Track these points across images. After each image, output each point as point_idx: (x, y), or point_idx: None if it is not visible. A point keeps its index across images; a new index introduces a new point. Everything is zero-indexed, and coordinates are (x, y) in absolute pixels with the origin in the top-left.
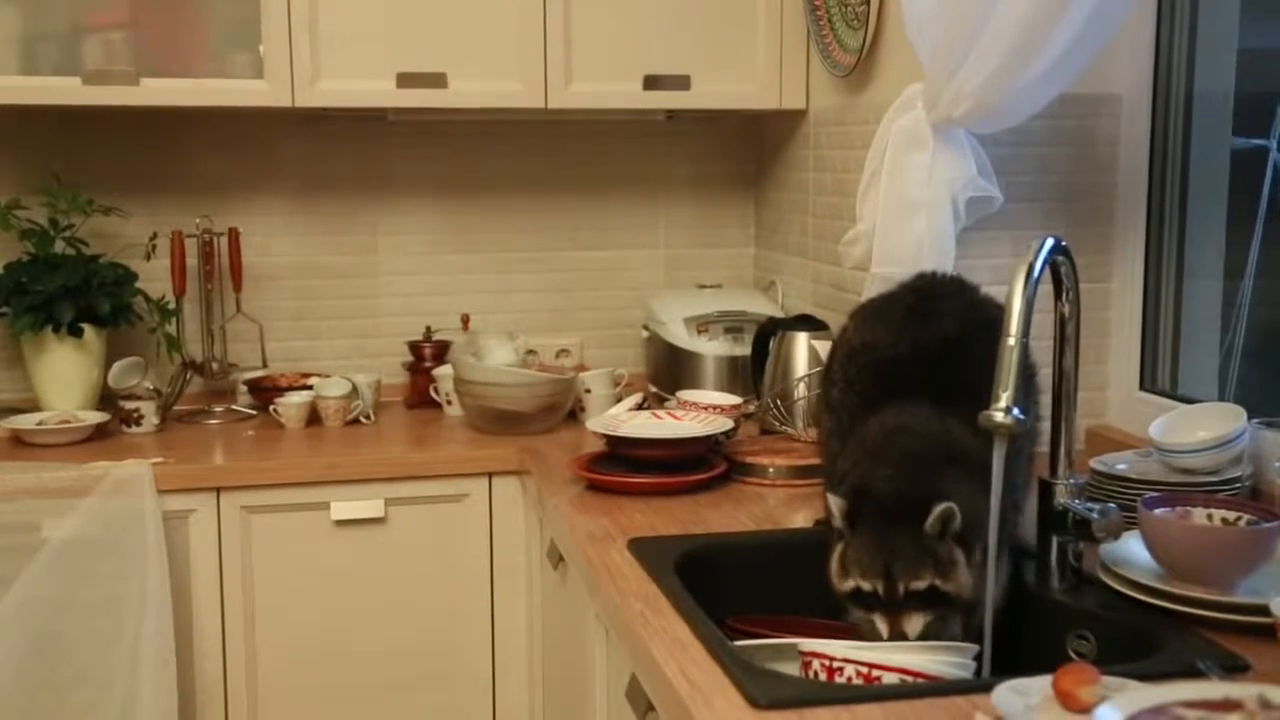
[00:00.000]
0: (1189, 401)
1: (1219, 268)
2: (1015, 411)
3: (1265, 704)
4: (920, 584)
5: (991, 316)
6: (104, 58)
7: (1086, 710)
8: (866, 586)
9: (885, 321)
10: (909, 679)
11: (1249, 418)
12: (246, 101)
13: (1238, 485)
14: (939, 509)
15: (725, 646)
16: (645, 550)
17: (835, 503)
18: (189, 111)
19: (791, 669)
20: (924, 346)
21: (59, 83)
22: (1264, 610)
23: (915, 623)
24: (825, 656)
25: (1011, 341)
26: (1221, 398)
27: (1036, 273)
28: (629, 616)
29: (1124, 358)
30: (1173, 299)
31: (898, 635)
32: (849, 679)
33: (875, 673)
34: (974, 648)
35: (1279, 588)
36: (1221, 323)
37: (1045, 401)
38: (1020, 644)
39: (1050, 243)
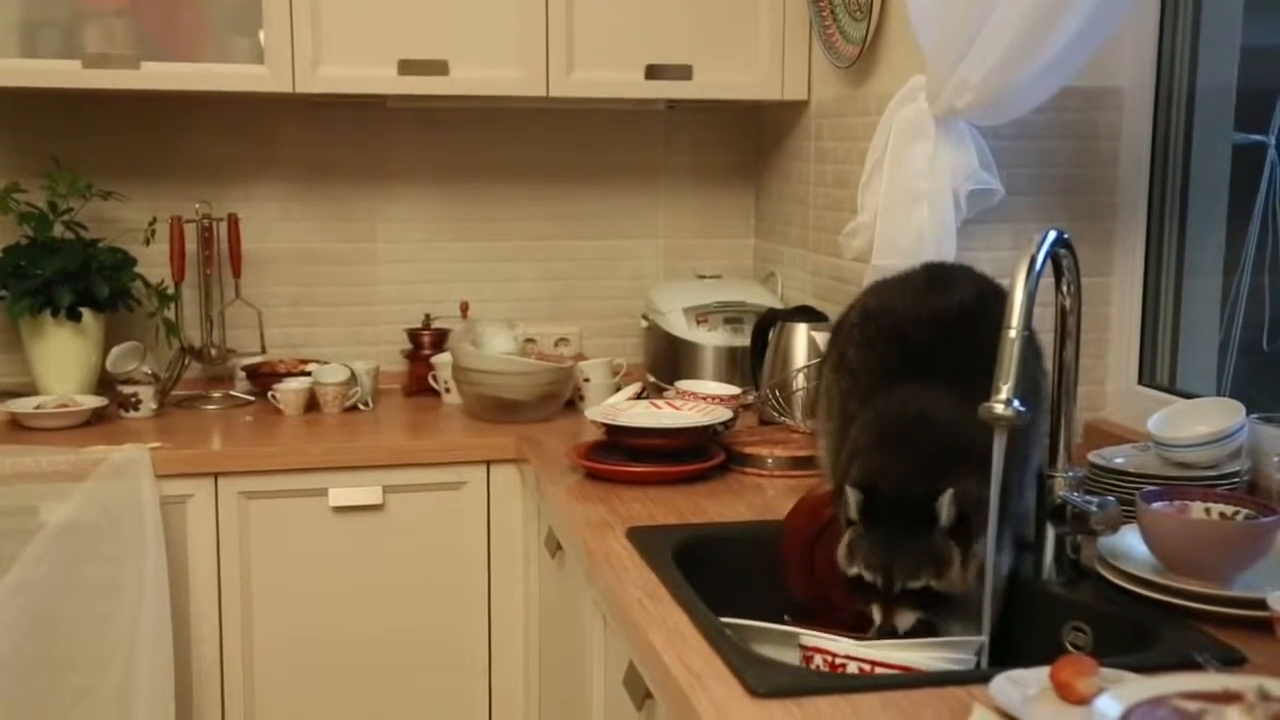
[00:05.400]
0: (1188, 396)
1: (1219, 263)
2: (1016, 403)
3: (1264, 695)
4: (916, 584)
5: (1003, 291)
6: (104, 41)
7: (1084, 701)
8: (868, 578)
9: (902, 291)
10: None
11: (1247, 413)
12: (247, 87)
13: (1236, 480)
14: (945, 497)
15: (724, 635)
16: (644, 539)
17: (852, 495)
18: (189, 96)
19: (784, 653)
20: (942, 312)
21: (59, 65)
22: (1261, 604)
23: (907, 618)
24: (828, 652)
25: (1013, 334)
26: (1219, 393)
27: (1039, 265)
28: (628, 604)
29: (1123, 352)
30: (1172, 293)
31: (888, 627)
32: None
33: (878, 670)
34: (977, 641)
35: (1276, 582)
36: (1221, 318)
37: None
38: (1017, 635)
39: (1052, 235)
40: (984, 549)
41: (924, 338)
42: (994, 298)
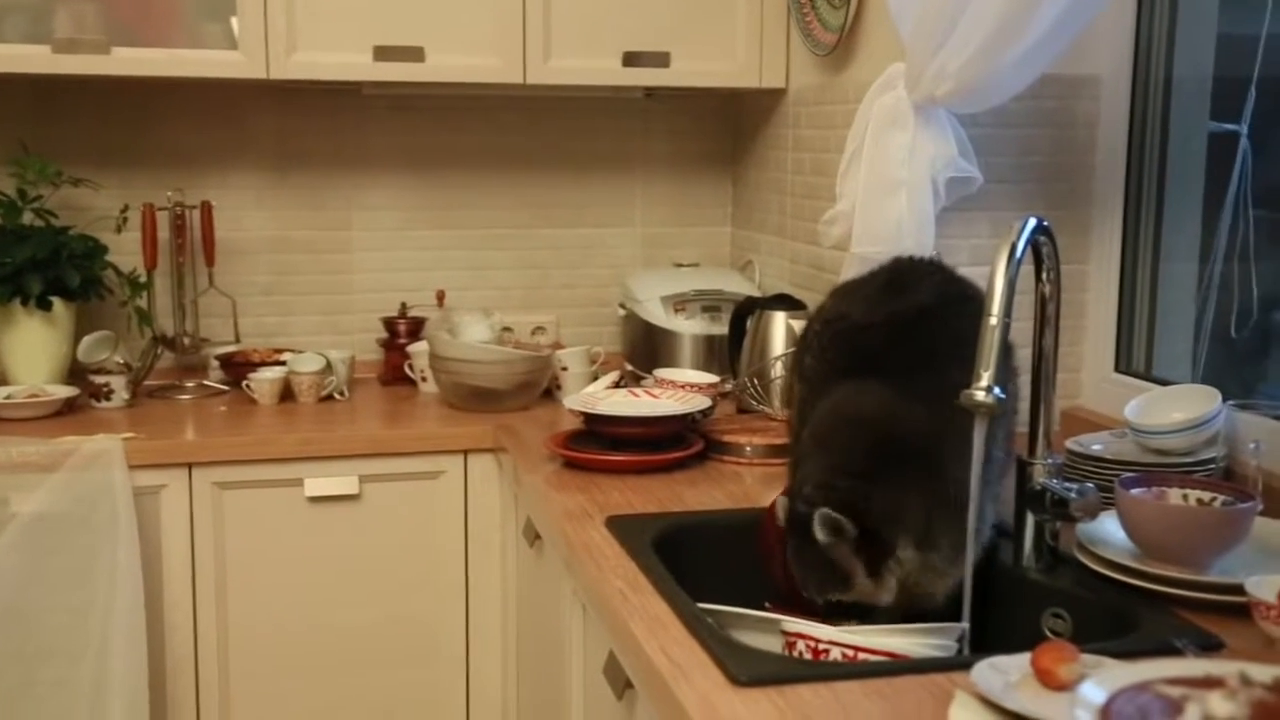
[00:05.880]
0: (1163, 383)
1: (1195, 251)
2: (996, 391)
3: (1246, 681)
4: (832, 597)
5: (967, 291)
6: (74, 26)
7: (1065, 688)
8: (804, 594)
9: (863, 295)
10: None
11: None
12: (220, 73)
13: (1212, 466)
14: (816, 516)
15: (705, 624)
16: (623, 528)
17: (780, 504)
18: (161, 82)
19: (766, 640)
20: (899, 314)
21: (28, 50)
22: (1238, 590)
23: (851, 625)
24: (811, 638)
25: (994, 321)
26: (1193, 380)
27: (1019, 252)
28: (608, 594)
29: (1099, 339)
30: (1149, 281)
31: None
32: (834, 662)
33: (861, 656)
34: (959, 628)
35: (1252, 567)
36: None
37: (1023, 382)
38: (996, 622)
39: (1033, 223)
40: (910, 555)
41: (877, 343)
42: (956, 301)
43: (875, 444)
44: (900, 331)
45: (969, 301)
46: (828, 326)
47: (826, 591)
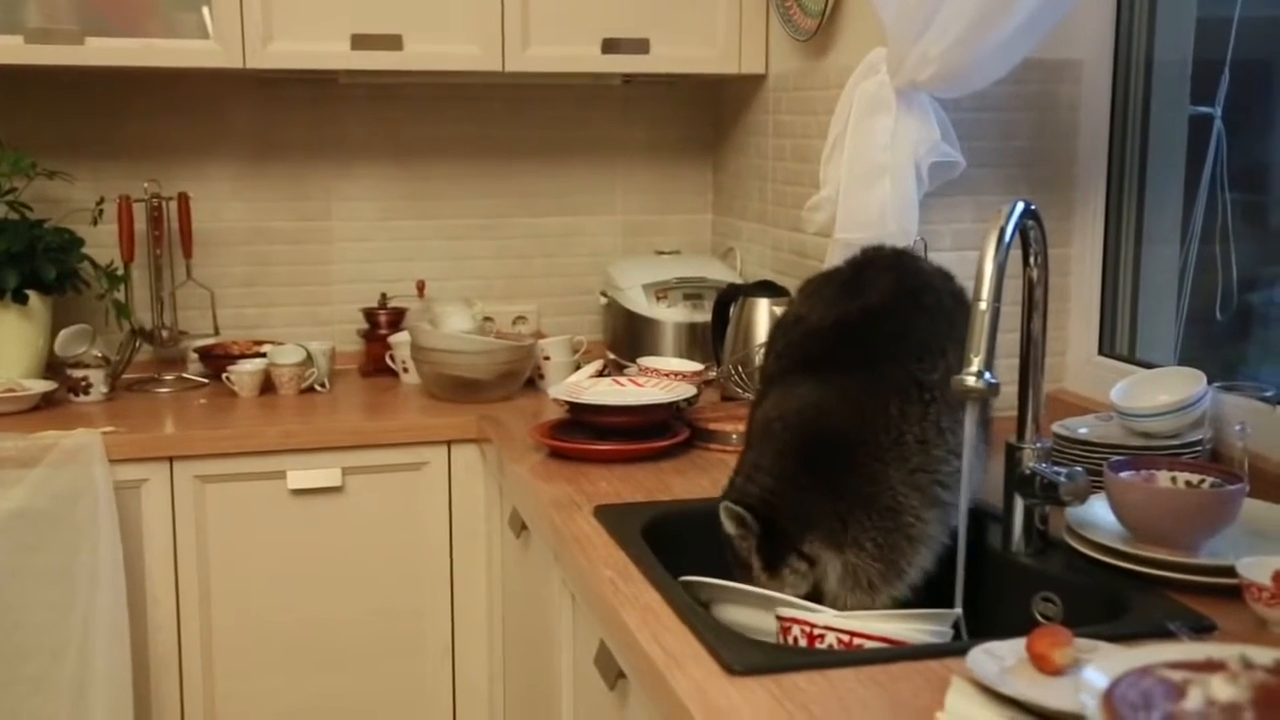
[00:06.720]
0: (1147, 366)
1: (1177, 233)
2: (988, 376)
3: (1248, 664)
4: (738, 579)
5: (921, 284)
6: (47, 16)
7: (1060, 672)
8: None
9: (821, 297)
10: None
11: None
12: (195, 62)
13: (1198, 448)
14: (722, 508)
15: (698, 613)
16: (612, 517)
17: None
18: (136, 73)
19: (759, 617)
20: (845, 316)
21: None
22: (1228, 571)
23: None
24: (806, 623)
25: (983, 306)
26: (1175, 362)
27: (1008, 237)
28: (598, 584)
29: (1083, 322)
30: (1131, 264)
31: None
32: (830, 647)
33: (856, 641)
34: (954, 613)
35: (1241, 549)
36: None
37: (1008, 366)
38: (987, 607)
39: (1021, 206)
40: (822, 556)
41: (823, 348)
42: (909, 295)
43: (796, 447)
44: (844, 335)
45: (920, 294)
46: (785, 331)
47: (736, 571)
